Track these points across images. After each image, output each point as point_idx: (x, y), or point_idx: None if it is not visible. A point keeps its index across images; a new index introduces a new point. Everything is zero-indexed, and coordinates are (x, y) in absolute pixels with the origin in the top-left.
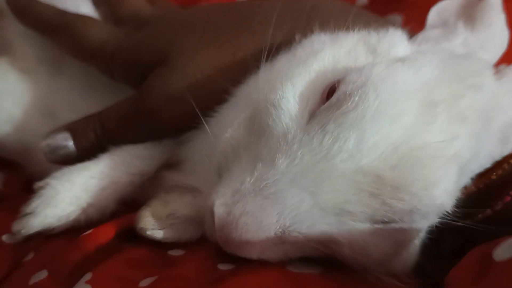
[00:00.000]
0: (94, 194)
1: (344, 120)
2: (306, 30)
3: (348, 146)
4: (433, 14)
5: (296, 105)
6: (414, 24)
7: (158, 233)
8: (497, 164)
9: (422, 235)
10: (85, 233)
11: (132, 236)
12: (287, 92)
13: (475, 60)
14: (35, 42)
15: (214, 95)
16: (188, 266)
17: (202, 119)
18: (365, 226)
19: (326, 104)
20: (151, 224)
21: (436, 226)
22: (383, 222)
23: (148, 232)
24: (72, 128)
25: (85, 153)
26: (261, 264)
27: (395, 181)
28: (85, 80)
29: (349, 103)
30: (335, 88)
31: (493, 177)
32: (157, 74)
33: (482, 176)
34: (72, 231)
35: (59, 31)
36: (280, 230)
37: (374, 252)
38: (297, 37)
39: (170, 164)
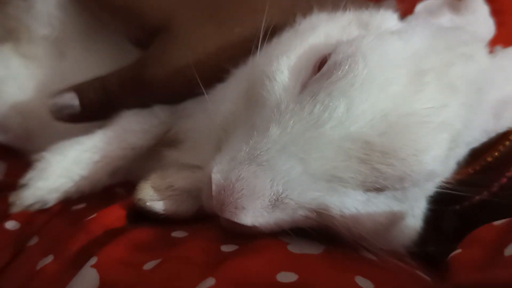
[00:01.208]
0: (87, 167)
1: (334, 88)
2: (306, 10)
3: (338, 113)
4: (420, 8)
5: (289, 76)
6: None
7: (156, 204)
8: (493, 146)
9: (421, 210)
10: (89, 217)
11: (136, 218)
12: (281, 64)
13: (464, 32)
14: (38, 27)
15: (214, 71)
16: (191, 247)
17: (204, 91)
18: (357, 193)
19: (317, 74)
20: (150, 195)
21: (434, 208)
22: (376, 189)
23: (148, 203)
24: (78, 89)
25: (89, 113)
26: (263, 245)
27: (384, 147)
28: (89, 64)
29: (339, 72)
30: (327, 60)
31: (489, 159)
32: (159, 43)
33: (478, 158)
34: (74, 214)
35: None
36: (273, 196)
37: (367, 221)
38: (297, 17)
39: (170, 142)
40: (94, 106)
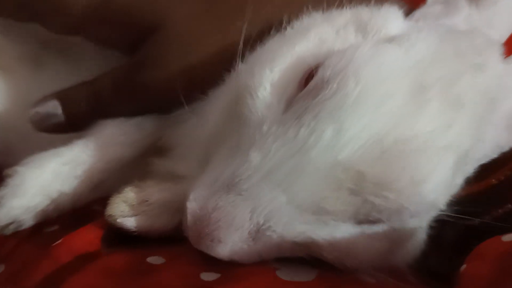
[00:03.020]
0: (67, 182)
1: (321, 109)
2: (302, 9)
3: (325, 138)
4: None
5: (273, 92)
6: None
7: (128, 221)
8: (500, 167)
9: (425, 228)
10: (56, 242)
11: (114, 239)
12: (264, 78)
13: (478, 36)
14: (14, 38)
15: (218, 71)
16: (168, 275)
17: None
18: (348, 226)
19: (303, 91)
20: (121, 211)
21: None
22: (369, 221)
23: (118, 220)
24: (62, 96)
25: (75, 122)
26: (249, 272)
27: (377, 177)
28: (67, 75)
29: (327, 91)
30: (314, 74)
31: (494, 182)
32: (155, 44)
33: (503, 168)
34: (45, 238)
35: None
36: (253, 228)
37: (361, 253)
38: (285, 18)
39: (159, 150)
40: (81, 115)
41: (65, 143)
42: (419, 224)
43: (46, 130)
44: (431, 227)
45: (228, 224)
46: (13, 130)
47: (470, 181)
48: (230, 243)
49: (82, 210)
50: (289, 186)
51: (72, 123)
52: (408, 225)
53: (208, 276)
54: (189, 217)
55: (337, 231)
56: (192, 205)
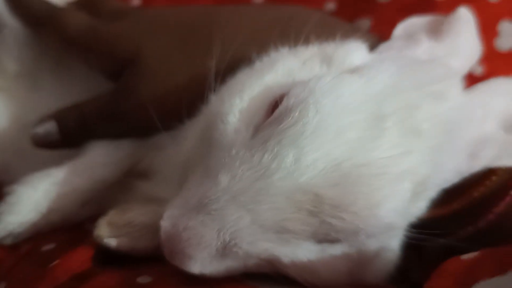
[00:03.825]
0: (56, 199)
1: (283, 136)
2: (269, 45)
3: (286, 163)
4: (400, 29)
5: (241, 119)
6: (383, 28)
7: (113, 241)
8: (479, 181)
9: (397, 241)
10: (54, 263)
11: (105, 257)
12: (234, 106)
13: (438, 65)
14: (9, 57)
15: (185, 104)
16: None
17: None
18: (309, 244)
19: (269, 119)
20: (107, 232)
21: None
22: (329, 241)
23: (105, 240)
24: (58, 117)
25: (69, 140)
26: None
27: (335, 200)
28: (62, 93)
29: (289, 119)
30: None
31: (476, 194)
32: (128, 76)
33: (465, 193)
34: (43, 256)
35: (44, 22)
36: (221, 245)
37: (323, 271)
38: (253, 53)
39: (141, 173)
40: (73, 134)
41: (57, 162)
42: (381, 244)
43: (44, 147)
44: (410, 242)
45: (197, 242)
46: (11, 148)
47: (436, 204)
48: (200, 259)
49: (76, 228)
50: (254, 207)
51: (66, 141)
52: (369, 245)
53: None
54: (162, 235)
55: (298, 249)
56: (165, 224)
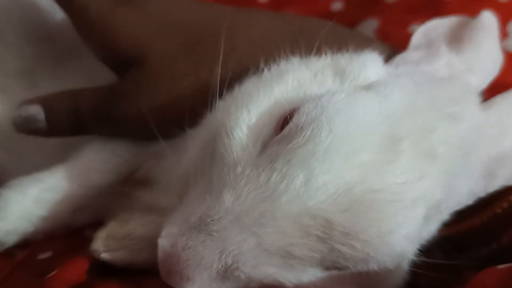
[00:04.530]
0: (47, 207)
1: (293, 156)
2: (279, 53)
3: (295, 185)
4: (419, 34)
5: (249, 134)
6: (390, 28)
7: (111, 255)
8: (502, 196)
9: (407, 263)
10: (51, 274)
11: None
12: (241, 120)
13: (456, 85)
14: (9, 53)
15: (188, 113)
16: None
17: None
18: (316, 270)
19: (278, 136)
20: (105, 246)
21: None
22: (337, 268)
23: (102, 255)
24: (46, 102)
25: (56, 130)
26: None
27: (345, 227)
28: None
29: (300, 138)
30: (289, 119)
31: (498, 210)
32: (132, 78)
33: (486, 209)
34: (39, 264)
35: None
36: (222, 268)
37: None
38: (262, 61)
39: (141, 181)
40: (62, 126)
41: (52, 162)
42: (391, 268)
43: (27, 133)
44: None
45: (197, 263)
46: (6, 148)
47: (448, 224)
48: (199, 281)
49: (74, 235)
50: (258, 229)
51: (53, 131)
52: (378, 270)
53: None
54: (159, 253)
55: (304, 275)
56: (163, 242)
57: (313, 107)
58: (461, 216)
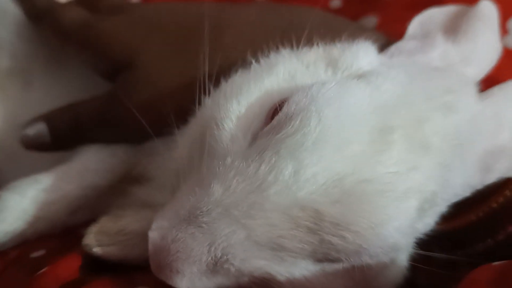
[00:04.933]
0: (44, 207)
1: (282, 147)
2: (268, 45)
3: (284, 176)
4: (416, 24)
5: (238, 125)
6: (390, 25)
7: (103, 250)
8: (498, 190)
9: (405, 254)
10: (41, 271)
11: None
12: (231, 111)
13: (451, 74)
14: (3, 52)
15: (179, 110)
16: None
17: (172, 129)
18: (307, 263)
19: (268, 126)
20: (97, 241)
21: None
22: (329, 260)
23: (94, 249)
24: (49, 119)
25: (60, 143)
26: None
27: (336, 217)
28: (56, 92)
29: (289, 128)
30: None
31: (494, 205)
32: (123, 81)
33: (482, 204)
34: (32, 263)
35: (43, 16)
36: (211, 260)
37: None
38: (250, 54)
39: (136, 178)
40: (64, 137)
41: (49, 165)
42: (387, 262)
43: (34, 149)
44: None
45: (186, 256)
46: (2, 150)
47: (447, 218)
48: (188, 274)
49: (68, 234)
50: (247, 221)
51: (57, 144)
52: (373, 264)
53: None
54: (150, 246)
55: (295, 267)
56: (153, 235)
57: (303, 96)
58: (458, 209)
